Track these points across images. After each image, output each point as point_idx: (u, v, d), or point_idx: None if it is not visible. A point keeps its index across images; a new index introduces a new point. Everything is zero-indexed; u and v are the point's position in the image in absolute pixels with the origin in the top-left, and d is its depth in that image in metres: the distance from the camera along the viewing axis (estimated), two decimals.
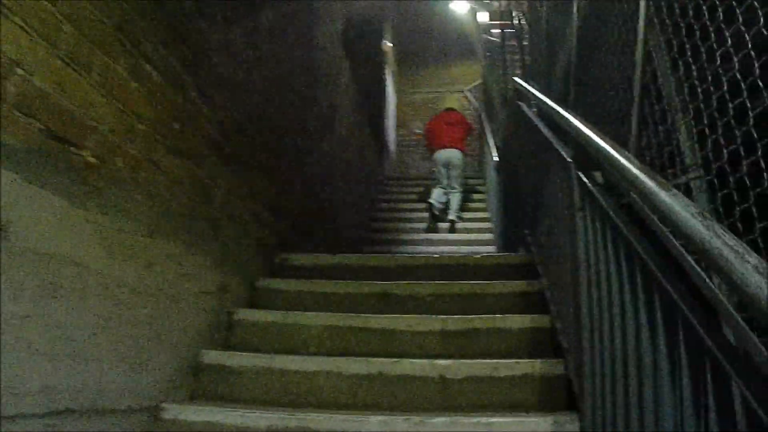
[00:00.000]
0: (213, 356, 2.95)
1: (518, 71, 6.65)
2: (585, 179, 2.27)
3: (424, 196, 9.05)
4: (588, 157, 2.34)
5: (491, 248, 7.28)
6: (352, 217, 7.37)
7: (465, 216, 8.49)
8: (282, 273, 4.06)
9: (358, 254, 4.89)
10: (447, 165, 8.45)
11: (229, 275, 3.37)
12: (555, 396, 2.59)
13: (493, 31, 10.75)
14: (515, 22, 7.37)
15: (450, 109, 8.98)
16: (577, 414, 2.26)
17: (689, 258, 1.41)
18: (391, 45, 12.44)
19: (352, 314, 3.28)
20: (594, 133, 2.07)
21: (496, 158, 7.11)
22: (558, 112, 2.60)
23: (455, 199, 8.34)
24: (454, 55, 13.82)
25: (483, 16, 11.35)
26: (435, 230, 8.04)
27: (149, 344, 2.49)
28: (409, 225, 8.28)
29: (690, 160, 2.04)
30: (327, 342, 3.18)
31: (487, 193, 9.00)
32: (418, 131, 12.68)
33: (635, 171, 1.57)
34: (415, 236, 7.87)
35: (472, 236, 7.77)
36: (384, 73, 11.39)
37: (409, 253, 7.17)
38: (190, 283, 2.88)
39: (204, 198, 3.05)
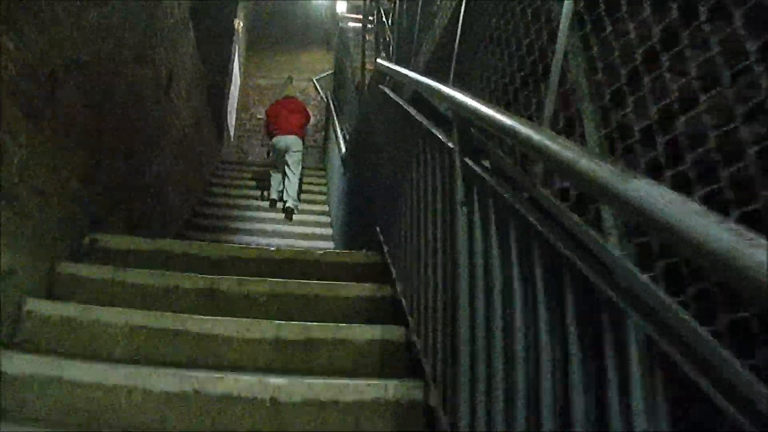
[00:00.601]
0: None
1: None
2: (473, 165, 1.86)
3: (260, 184, 8.68)
4: (473, 141, 1.96)
5: (329, 244, 6.83)
6: (183, 198, 6.62)
7: (304, 208, 8.02)
8: (91, 257, 3.35)
9: (182, 240, 4.22)
10: (286, 151, 8.31)
11: (21, 255, 2.64)
12: (414, 427, 2.15)
13: (350, 22, 10.37)
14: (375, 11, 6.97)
15: (290, 97, 8.94)
16: None
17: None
18: (243, 24, 11.70)
19: (169, 313, 2.66)
20: (484, 104, 1.67)
21: (344, 150, 6.63)
22: (439, 88, 2.18)
23: (293, 186, 8.16)
24: (306, 43, 13.30)
25: (341, 6, 10.92)
26: (271, 220, 7.48)
27: None
28: (243, 213, 7.62)
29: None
30: (135, 347, 2.54)
31: (329, 186, 8.56)
32: (260, 117, 11.89)
33: (537, 136, 1.24)
34: (249, 225, 7.23)
35: (309, 230, 7.27)
36: (231, 52, 10.65)
37: (241, 244, 6.57)
38: None
39: None
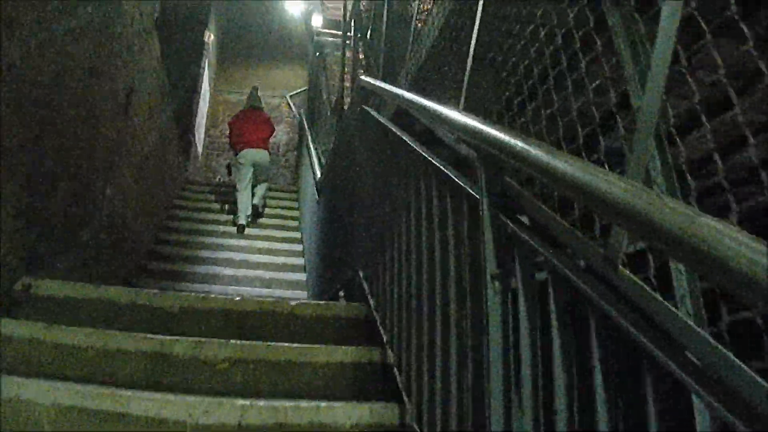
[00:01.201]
0: None
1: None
2: (510, 223, 1.40)
3: (228, 208, 8.16)
4: (505, 188, 1.51)
5: (301, 276, 6.29)
6: (145, 225, 6.05)
7: (275, 235, 7.49)
8: (22, 307, 2.80)
9: (131, 288, 3.66)
10: (255, 166, 7.97)
11: None
12: None
13: (327, 36, 9.91)
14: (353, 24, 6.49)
15: (256, 108, 8.53)
16: None
17: None
18: (214, 37, 11.19)
19: (107, 390, 2.12)
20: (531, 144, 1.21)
21: (319, 176, 6.08)
22: (459, 119, 1.69)
23: (261, 189, 8.02)
24: (280, 57, 12.82)
25: (317, 20, 10.43)
26: (239, 248, 6.90)
27: None
28: (209, 240, 7.03)
29: None
30: None
31: (302, 212, 8.02)
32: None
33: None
34: (215, 254, 6.64)
35: (280, 260, 6.71)
36: (201, 66, 10.12)
37: (202, 276, 6.01)
38: None
39: None
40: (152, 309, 2.94)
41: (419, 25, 3.53)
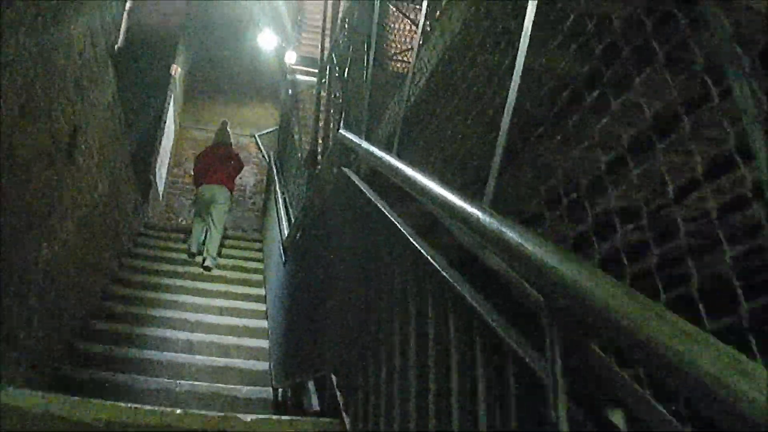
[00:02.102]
0: None
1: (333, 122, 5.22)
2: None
3: (184, 258, 7.54)
4: (593, 367, 0.95)
5: (263, 343, 5.60)
6: (89, 280, 5.35)
7: (236, 291, 6.80)
8: None
9: (40, 394, 2.92)
10: (211, 202, 7.71)
11: None
12: None
13: (301, 75, 9.38)
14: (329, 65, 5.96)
15: (222, 144, 8.27)
16: None
17: None
18: (181, 70, 10.59)
19: None
20: None
21: (286, 235, 5.44)
22: (518, 242, 1.12)
23: (215, 243, 7.50)
24: (250, 95, 12.22)
25: (290, 57, 9.89)
26: (195, 307, 6.20)
27: None
28: (164, 296, 6.32)
29: None
30: None
31: (266, 269, 7.34)
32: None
33: None
34: (170, 313, 5.91)
35: (241, 322, 6.01)
36: (166, 100, 9.49)
37: (153, 340, 5.33)
38: None
39: None
40: (71, 424, 2.29)
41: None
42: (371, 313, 2.14)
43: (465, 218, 1.39)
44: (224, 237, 8.07)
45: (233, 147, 8.54)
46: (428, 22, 2.66)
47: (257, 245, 8.77)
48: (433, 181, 1.70)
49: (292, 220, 5.65)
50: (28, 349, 3.84)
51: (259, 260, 8.01)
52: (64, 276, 4.50)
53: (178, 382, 4.62)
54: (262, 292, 6.85)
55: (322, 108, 5.83)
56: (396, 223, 1.90)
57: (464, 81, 2.21)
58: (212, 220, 7.59)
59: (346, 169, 2.87)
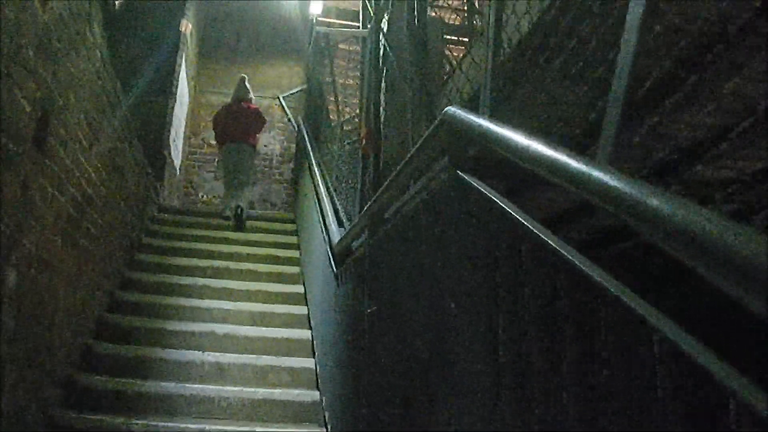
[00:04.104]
0: None
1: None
2: None
3: (206, 250, 6.40)
4: None
5: (309, 362, 4.49)
6: (87, 293, 4.25)
7: (270, 291, 5.63)
8: None
9: None
10: (236, 161, 7.47)
11: None
12: None
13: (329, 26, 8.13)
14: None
15: (243, 99, 7.85)
16: None
17: None
18: (193, 28, 9.35)
19: None
20: None
21: (336, 238, 3.94)
22: None
23: (246, 193, 7.45)
24: (271, 52, 10.92)
25: (316, 6, 8.56)
26: (222, 317, 5.08)
27: None
28: (179, 301, 5.18)
29: None
30: None
31: (305, 262, 6.12)
32: (213, 142, 9.28)
33: None
34: (192, 327, 4.75)
35: (279, 333, 4.88)
36: (177, 62, 8.29)
37: (172, 367, 4.23)
38: None
39: None
40: None
41: None
42: None
43: None
44: (248, 218, 7.36)
45: (254, 103, 8.04)
46: None
47: (290, 227, 7.63)
48: None
49: (343, 219, 4.43)
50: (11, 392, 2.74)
51: (292, 246, 6.85)
52: (52, 297, 3.41)
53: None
54: (300, 289, 5.67)
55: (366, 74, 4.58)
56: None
57: None
58: (239, 175, 7.39)
59: (471, 181, 1.63)
